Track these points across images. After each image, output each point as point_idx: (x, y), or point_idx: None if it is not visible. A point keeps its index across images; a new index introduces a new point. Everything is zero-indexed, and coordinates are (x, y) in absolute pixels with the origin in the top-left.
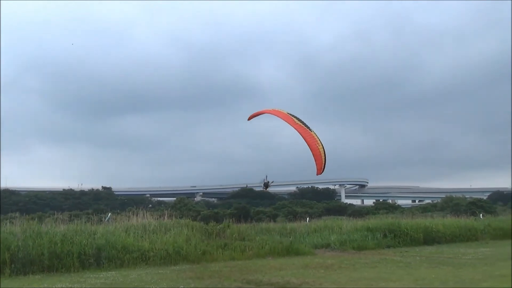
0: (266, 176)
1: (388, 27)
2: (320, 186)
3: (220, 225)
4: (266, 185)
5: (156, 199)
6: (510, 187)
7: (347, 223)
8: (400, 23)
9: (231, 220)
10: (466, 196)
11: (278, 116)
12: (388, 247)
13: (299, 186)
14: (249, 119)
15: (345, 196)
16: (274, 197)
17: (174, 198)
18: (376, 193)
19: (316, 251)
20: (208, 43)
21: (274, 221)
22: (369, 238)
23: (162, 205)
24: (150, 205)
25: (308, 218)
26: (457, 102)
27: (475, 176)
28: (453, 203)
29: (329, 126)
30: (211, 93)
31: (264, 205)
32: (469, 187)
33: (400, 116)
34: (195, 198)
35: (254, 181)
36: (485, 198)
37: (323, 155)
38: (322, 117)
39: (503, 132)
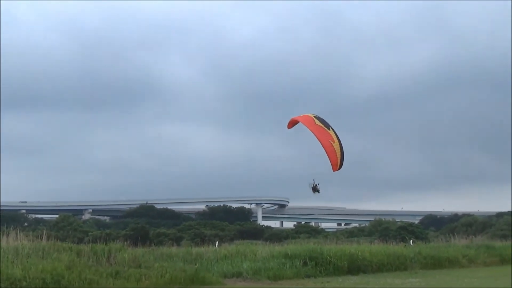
0: (314, 180)
1: (316, 24)
2: (234, 205)
3: (112, 248)
4: (315, 189)
5: (33, 216)
6: (444, 210)
7: (262, 248)
8: (330, 21)
9: (125, 242)
10: (397, 220)
11: (300, 121)
12: (308, 276)
13: (209, 204)
14: (289, 127)
15: (262, 217)
16: (178, 216)
17: (57, 216)
18: (297, 214)
19: (226, 281)
20: (104, 29)
21: (178, 244)
22: (287, 266)
23: (41, 223)
24: (26, 224)
25: (217, 242)
26: (390, 113)
27: (408, 197)
28: (382, 227)
29: (245, 134)
30: (107, 90)
31: (166, 225)
32: (400, 209)
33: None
34: (83, 216)
35: (156, 197)
36: (416, 222)
37: (338, 151)
38: (236, 122)
39: (441, 149)
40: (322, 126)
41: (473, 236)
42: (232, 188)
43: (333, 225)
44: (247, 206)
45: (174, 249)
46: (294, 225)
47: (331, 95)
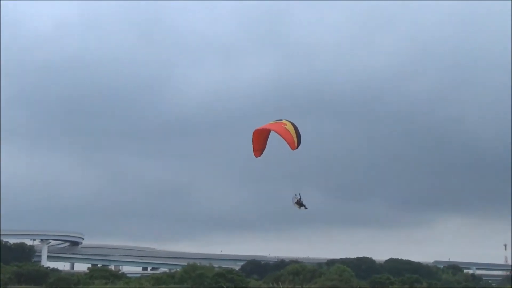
0: (299, 194)
1: (133, 26)
2: (11, 240)
3: None
4: (300, 203)
5: None
6: (269, 255)
7: None
8: (150, 23)
9: None
10: (214, 265)
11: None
12: None
13: None
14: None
15: (48, 256)
16: None
17: None
18: (93, 254)
19: None
20: None
21: None
22: None
23: None
24: None
25: None
26: (215, 137)
27: (229, 239)
28: (197, 274)
29: (28, 149)
30: None
31: None
32: (219, 253)
33: (135, 150)
34: None
35: None
36: (237, 268)
37: (292, 131)
38: (17, 132)
39: (271, 183)
40: (274, 121)
41: (300, 287)
42: (10, 219)
43: (138, 269)
44: (28, 242)
45: None
46: (89, 268)
47: (142, 108)
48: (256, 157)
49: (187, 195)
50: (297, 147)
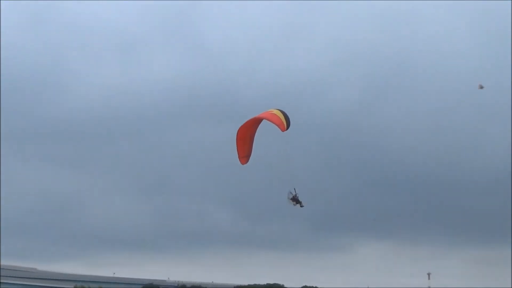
0: (295, 189)
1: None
2: None
3: None
4: (296, 199)
5: None
6: (168, 279)
7: None
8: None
9: None
10: None
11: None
12: None
13: None
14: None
15: None
16: None
17: None
18: None
19: None
20: None
21: None
22: None
23: None
24: None
25: None
26: (106, 142)
27: (123, 260)
28: None
29: None
30: None
31: None
32: (111, 275)
33: (12, 154)
34: None
35: None
36: None
37: (279, 114)
38: None
39: (171, 198)
40: (266, 112)
41: None
42: None
43: None
44: None
45: None
46: None
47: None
48: (243, 164)
49: (76, 209)
50: (287, 128)
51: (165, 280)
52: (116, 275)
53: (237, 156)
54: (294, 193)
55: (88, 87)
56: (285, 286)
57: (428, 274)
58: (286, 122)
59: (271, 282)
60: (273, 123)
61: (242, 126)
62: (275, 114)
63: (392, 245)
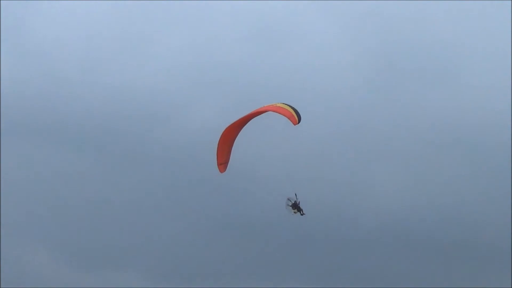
0: (296, 194)
1: None
2: None
3: None
4: (297, 206)
5: None
6: None
7: None
8: None
9: None
10: None
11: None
12: None
13: None
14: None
15: None
16: None
17: None
18: None
19: None
20: None
21: None
22: None
23: None
24: None
25: None
26: None
27: None
28: None
29: None
30: None
31: None
32: None
33: None
34: None
35: None
36: None
37: (285, 106)
38: None
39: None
40: (271, 105)
41: None
42: None
43: None
44: None
45: None
46: None
47: None
48: (222, 172)
49: None
50: (298, 122)
51: None
52: None
53: (216, 163)
54: (295, 199)
55: None
56: None
57: None
58: (296, 115)
59: None
60: (283, 115)
61: (231, 126)
62: (282, 108)
63: None
